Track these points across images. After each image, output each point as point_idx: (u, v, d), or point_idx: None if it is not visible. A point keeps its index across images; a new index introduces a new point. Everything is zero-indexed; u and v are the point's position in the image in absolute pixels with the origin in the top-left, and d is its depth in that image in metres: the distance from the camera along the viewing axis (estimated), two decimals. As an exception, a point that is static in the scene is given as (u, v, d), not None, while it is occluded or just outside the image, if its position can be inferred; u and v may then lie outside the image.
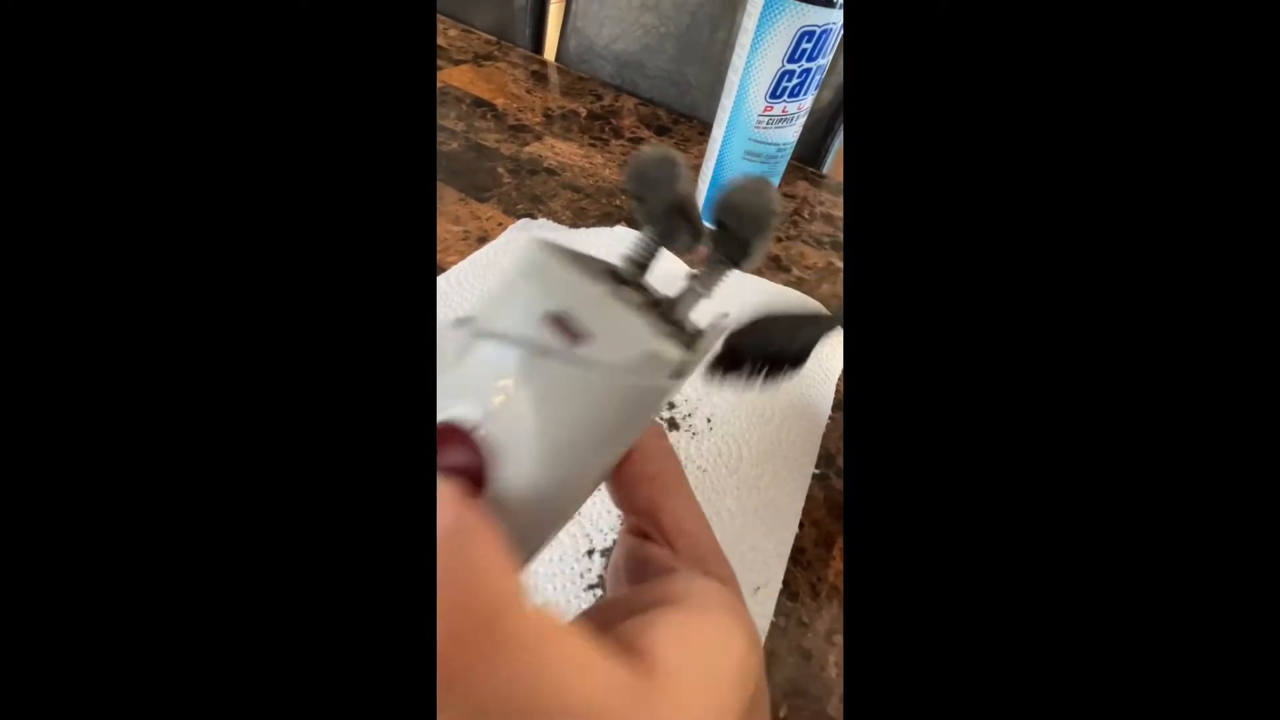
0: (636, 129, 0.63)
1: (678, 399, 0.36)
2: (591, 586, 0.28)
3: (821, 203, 0.58)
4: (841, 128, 0.70)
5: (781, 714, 0.26)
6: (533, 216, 0.48)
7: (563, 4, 0.76)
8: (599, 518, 0.31)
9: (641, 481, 0.14)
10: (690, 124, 0.66)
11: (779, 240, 0.52)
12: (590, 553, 0.30)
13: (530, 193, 0.51)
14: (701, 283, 0.14)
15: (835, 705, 0.26)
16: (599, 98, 0.67)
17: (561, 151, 0.57)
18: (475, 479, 0.12)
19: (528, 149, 0.56)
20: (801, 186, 0.61)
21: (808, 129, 0.68)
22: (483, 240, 0.45)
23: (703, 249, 0.15)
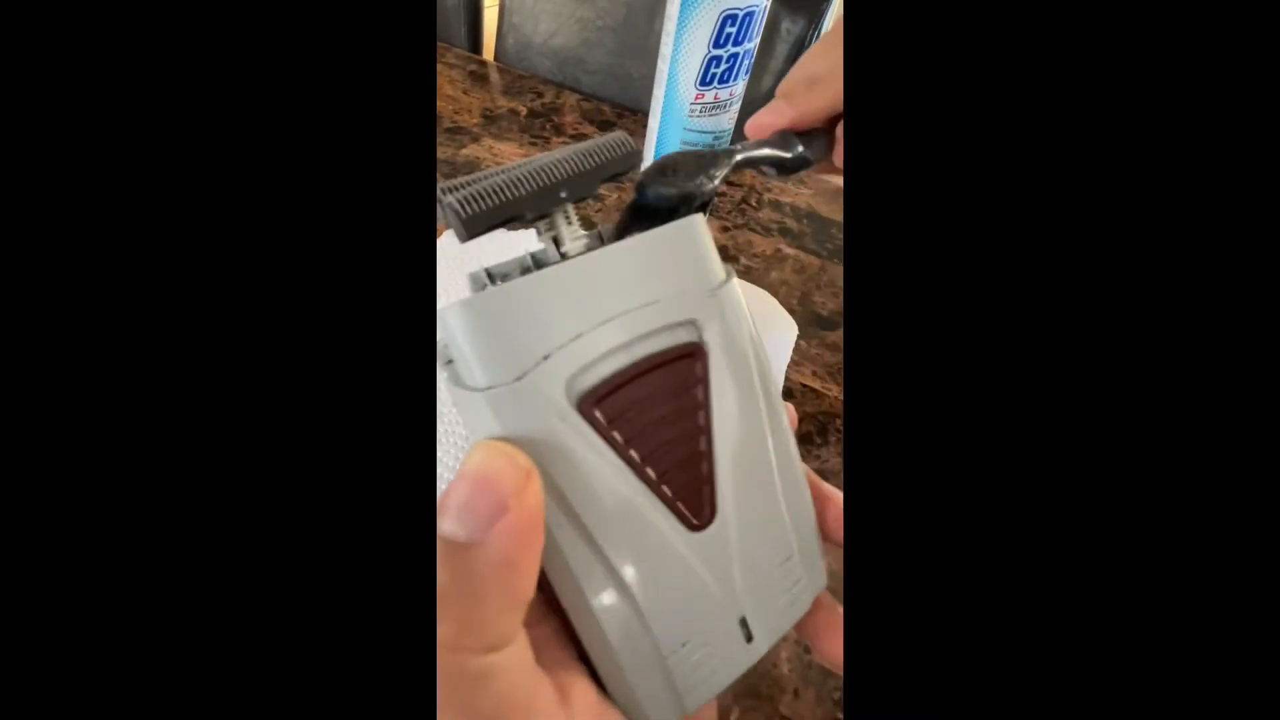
0: (579, 125, 0.62)
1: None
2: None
3: (769, 189, 0.58)
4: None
5: (733, 718, 0.25)
6: (470, 220, 0.47)
7: (497, 3, 0.74)
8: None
9: None
10: (635, 118, 0.65)
11: (726, 229, 0.51)
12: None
13: (467, 196, 0.50)
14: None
15: (788, 703, 0.26)
16: (540, 95, 0.66)
17: (500, 152, 0.56)
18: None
19: (464, 151, 0.55)
20: (748, 174, 0.60)
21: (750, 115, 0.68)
22: (417, 248, 0.44)
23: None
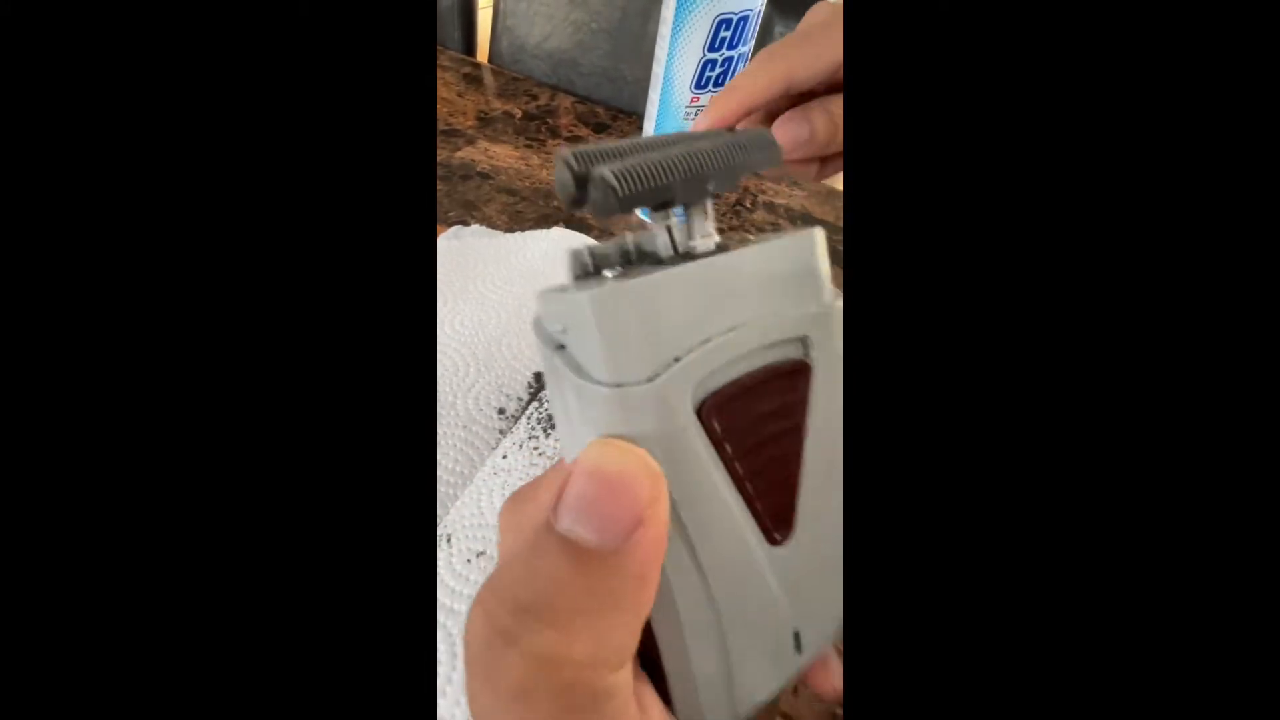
0: (574, 127, 0.62)
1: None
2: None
3: (763, 191, 0.58)
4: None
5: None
6: (465, 223, 0.47)
7: (491, 5, 0.74)
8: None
9: None
10: (629, 119, 0.65)
11: (721, 231, 0.51)
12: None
13: (462, 199, 0.50)
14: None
15: (787, 701, 0.26)
16: (534, 98, 0.66)
17: (496, 155, 0.56)
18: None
19: (459, 154, 0.55)
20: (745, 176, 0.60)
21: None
22: (413, 251, 0.44)
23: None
